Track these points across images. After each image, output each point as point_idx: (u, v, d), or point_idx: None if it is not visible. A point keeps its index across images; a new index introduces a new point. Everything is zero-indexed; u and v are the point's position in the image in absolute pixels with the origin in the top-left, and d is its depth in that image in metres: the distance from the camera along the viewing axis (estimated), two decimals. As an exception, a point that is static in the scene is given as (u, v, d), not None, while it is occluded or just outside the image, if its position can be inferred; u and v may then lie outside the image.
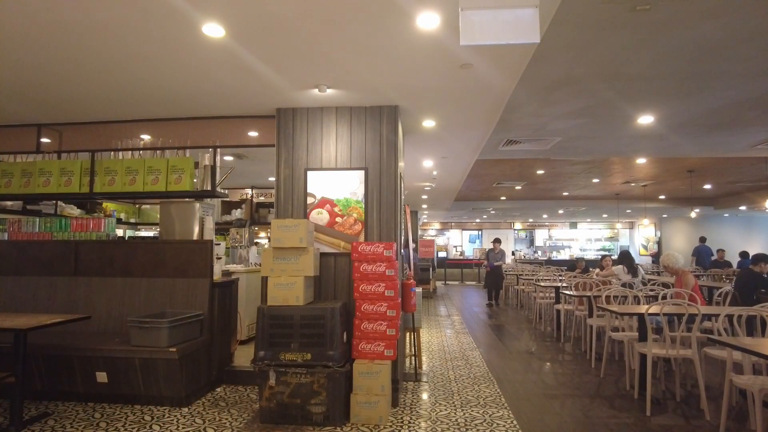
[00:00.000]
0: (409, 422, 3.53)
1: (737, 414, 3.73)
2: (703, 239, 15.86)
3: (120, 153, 4.86)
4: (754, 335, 4.07)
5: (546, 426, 3.49)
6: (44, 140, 4.99)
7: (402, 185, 4.95)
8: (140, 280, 4.41)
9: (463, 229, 24.65)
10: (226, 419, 3.58)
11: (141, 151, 4.83)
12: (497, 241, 11.57)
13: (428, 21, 2.75)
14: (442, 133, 5.41)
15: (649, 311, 4.09)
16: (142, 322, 3.72)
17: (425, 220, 23.22)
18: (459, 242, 24.39)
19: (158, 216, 5.18)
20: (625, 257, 7.35)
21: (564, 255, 22.00)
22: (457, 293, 14.33)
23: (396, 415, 3.68)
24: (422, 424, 3.50)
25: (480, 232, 24.44)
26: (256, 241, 8.17)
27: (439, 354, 5.84)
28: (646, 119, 5.47)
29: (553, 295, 8.03)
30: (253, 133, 4.69)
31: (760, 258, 5.92)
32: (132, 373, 3.78)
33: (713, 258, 12.61)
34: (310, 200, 4.27)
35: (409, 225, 6.63)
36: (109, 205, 7.69)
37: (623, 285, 6.18)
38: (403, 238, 4.85)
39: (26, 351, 3.42)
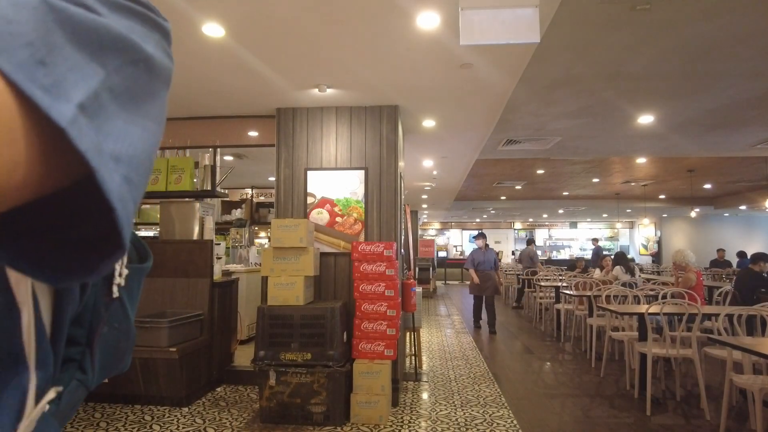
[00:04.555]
0: (410, 422, 3.53)
1: (737, 414, 3.73)
2: (595, 240, 16.17)
3: (120, 153, 4.86)
4: (754, 335, 4.07)
5: (546, 426, 3.50)
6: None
7: (402, 185, 4.95)
8: (140, 280, 4.41)
9: (463, 229, 24.61)
10: (227, 419, 3.58)
11: (141, 151, 4.83)
12: (482, 236, 7.92)
13: (428, 21, 2.75)
14: (442, 133, 5.41)
15: (649, 311, 4.09)
16: (143, 322, 3.72)
17: (425, 220, 23.20)
18: (459, 242, 24.37)
19: (158, 216, 5.17)
20: (621, 258, 7.42)
21: (564, 255, 21.99)
22: (457, 293, 14.33)
23: (396, 414, 3.68)
24: (422, 423, 3.50)
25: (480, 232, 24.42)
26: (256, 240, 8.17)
27: (439, 354, 5.85)
28: (646, 119, 5.46)
29: (553, 294, 8.03)
30: (253, 133, 4.69)
31: (759, 257, 5.92)
32: (132, 372, 3.78)
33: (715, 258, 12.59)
34: (310, 200, 4.27)
35: (410, 225, 6.63)
36: (109, 205, 7.67)
37: (623, 285, 6.19)
38: (403, 237, 4.85)
39: (26, 351, 3.42)
